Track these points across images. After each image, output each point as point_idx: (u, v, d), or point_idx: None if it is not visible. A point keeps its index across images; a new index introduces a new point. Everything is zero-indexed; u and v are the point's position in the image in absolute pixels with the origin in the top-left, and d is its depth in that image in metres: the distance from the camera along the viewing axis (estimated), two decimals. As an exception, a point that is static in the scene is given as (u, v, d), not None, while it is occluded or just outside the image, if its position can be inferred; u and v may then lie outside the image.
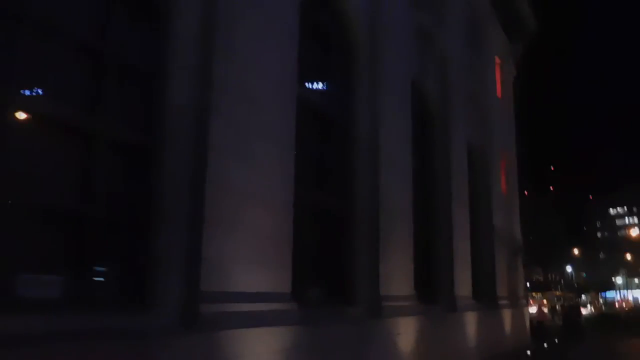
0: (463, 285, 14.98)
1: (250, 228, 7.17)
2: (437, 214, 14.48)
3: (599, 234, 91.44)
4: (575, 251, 67.98)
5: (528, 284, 71.43)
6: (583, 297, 52.72)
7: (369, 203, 10.65)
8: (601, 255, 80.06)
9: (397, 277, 11.18)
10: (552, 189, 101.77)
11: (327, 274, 9.88)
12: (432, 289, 13.73)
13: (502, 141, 21.69)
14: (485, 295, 17.61)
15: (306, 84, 10.03)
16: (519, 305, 21.27)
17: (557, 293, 55.83)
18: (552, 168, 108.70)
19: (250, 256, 7.14)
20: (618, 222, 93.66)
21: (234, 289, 6.83)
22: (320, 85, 10.47)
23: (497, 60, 22.52)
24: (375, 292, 10.41)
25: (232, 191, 6.93)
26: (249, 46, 7.55)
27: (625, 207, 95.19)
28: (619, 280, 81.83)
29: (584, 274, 75.42)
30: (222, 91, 7.04)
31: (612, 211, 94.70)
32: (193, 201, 6.52)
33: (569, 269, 70.47)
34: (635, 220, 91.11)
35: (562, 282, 71.34)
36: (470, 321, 14.68)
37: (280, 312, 7.49)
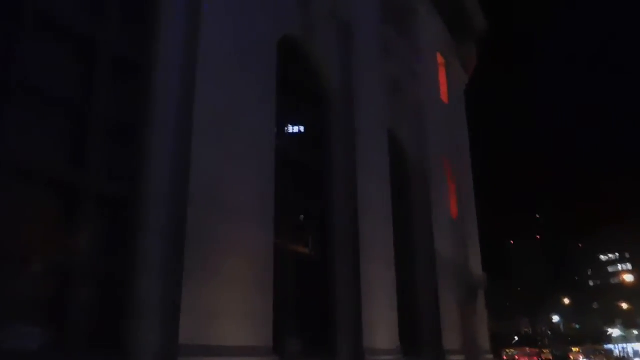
0: (381, 332, 10.39)
1: None
2: (334, 225, 10.13)
3: (591, 282, 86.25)
4: (566, 300, 62.76)
5: (517, 338, 65.82)
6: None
7: (168, 188, 6.49)
8: (595, 305, 74.66)
9: (233, 317, 6.79)
10: (538, 237, 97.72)
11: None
12: (321, 338, 9.22)
13: (449, 153, 17.69)
14: (423, 347, 13.02)
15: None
16: (481, 361, 16.53)
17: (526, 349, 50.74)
18: (537, 216, 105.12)
19: None
20: (610, 269, 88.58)
21: None
22: None
23: (441, 59, 18.91)
24: (168, 341, 6.02)
25: None
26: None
27: (616, 253, 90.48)
28: (616, 332, 76.02)
29: (576, 325, 69.64)
30: None
31: (602, 257, 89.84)
32: None
33: (556, 318, 64.78)
34: (629, 266, 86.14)
35: (550, 334, 65.62)
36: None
37: None
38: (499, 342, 49.23)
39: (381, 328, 10.48)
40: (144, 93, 6.70)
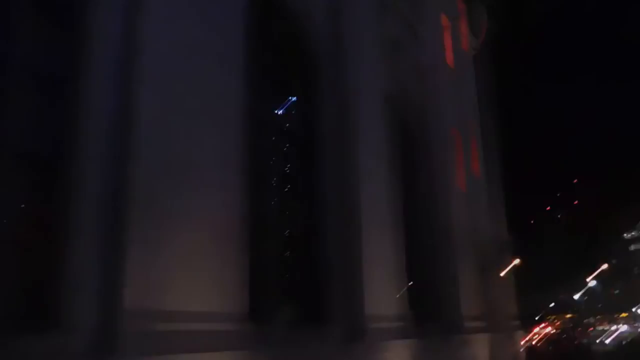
0: (386, 298, 10.09)
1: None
2: (328, 190, 9.76)
3: (631, 247, 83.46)
4: (605, 265, 60.69)
5: (554, 304, 64.29)
6: (591, 319, 45.66)
7: (108, 145, 5.88)
8: (636, 270, 72.07)
9: (195, 283, 6.28)
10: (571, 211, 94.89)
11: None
12: (315, 305, 8.99)
13: (461, 116, 17.10)
14: (438, 314, 12.70)
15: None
16: (505, 329, 16.04)
17: (568, 315, 48.86)
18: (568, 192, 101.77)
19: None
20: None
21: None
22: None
23: (446, 22, 18.23)
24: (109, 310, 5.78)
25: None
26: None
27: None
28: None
29: (616, 291, 67.40)
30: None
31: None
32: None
33: (592, 283, 62.61)
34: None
35: (586, 299, 63.73)
36: (395, 355, 9.73)
37: None
38: (535, 311, 48.14)
39: (386, 293, 10.16)
40: (76, 33, 5.90)
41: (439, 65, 16.33)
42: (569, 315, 47.03)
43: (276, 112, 9.45)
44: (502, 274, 17.26)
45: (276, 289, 8.34)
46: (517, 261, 19.12)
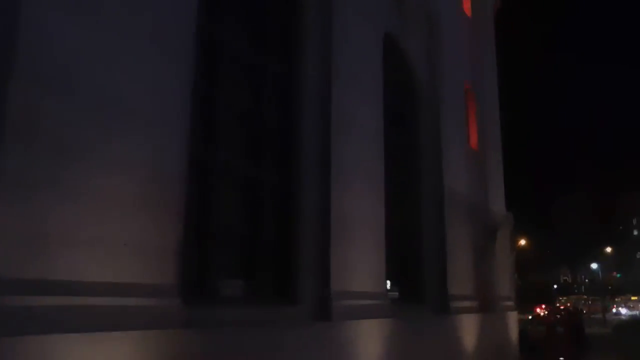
0: (361, 274, 8.62)
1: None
2: (300, 144, 8.12)
3: (635, 232, 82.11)
4: (608, 249, 59.30)
5: (555, 286, 63.49)
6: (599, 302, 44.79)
7: None
8: (638, 255, 70.95)
9: (101, 246, 4.88)
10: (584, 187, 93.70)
11: None
12: (274, 279, 7.51)
13: (470, 75, 15.32)
14: (424, 291, 11.30)
15: None
16: (498, 309, 14.69)
17: (584, 297, 47.85)
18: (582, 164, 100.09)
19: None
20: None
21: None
22: None
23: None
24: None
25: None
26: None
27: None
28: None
29: (617, 275, 66.36)
30: None
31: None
32: None
33: (594, 266, 61.36)
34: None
35: (588, 282, 62.85)
36: (367, 336, 8.31)
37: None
38: (538, 292, 47.46)
39: (362, 269, 8.68)
40: None
41: (454, 11, 14.43)
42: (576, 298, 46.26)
43: (244, 44, 7.66)
44: (500, 251, 15.82)
45: (223, 256, 6.86)
46: (522, 242, 17.64)
